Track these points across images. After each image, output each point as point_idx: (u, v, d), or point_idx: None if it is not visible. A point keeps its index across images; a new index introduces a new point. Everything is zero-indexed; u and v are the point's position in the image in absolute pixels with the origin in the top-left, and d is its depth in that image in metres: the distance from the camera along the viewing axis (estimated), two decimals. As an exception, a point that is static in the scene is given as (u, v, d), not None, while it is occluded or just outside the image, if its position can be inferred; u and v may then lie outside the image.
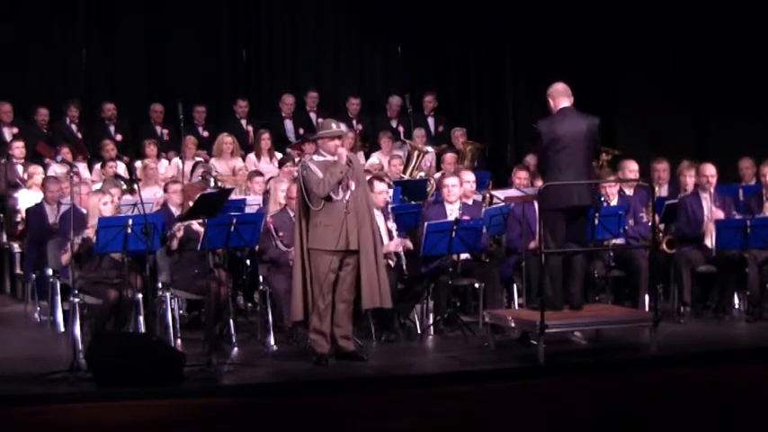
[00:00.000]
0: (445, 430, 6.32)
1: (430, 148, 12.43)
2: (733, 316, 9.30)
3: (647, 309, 8.80)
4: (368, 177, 8.63)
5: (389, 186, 9.51)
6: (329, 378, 7.45)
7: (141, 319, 8.43)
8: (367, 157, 12.62)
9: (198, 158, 12.28)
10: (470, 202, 9.44)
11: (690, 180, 9.81)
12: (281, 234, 8.59)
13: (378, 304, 7.77)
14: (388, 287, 7.77)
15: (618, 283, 9.54)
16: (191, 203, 8.46)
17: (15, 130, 12.37)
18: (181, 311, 9.27)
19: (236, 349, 8.32)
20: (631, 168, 9.84)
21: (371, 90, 14.61)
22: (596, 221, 8.61)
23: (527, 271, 8.73)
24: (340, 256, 7.63)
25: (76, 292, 8.11)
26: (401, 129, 13.48)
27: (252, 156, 12.33)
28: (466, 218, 8.83)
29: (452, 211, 9.05)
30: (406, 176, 11.77)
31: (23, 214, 10.57)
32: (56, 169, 11.49)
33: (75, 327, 8.05)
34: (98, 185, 10.35)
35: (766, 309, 9.15)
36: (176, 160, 12.21)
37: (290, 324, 8.20)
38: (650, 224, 8.94)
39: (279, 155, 12.42)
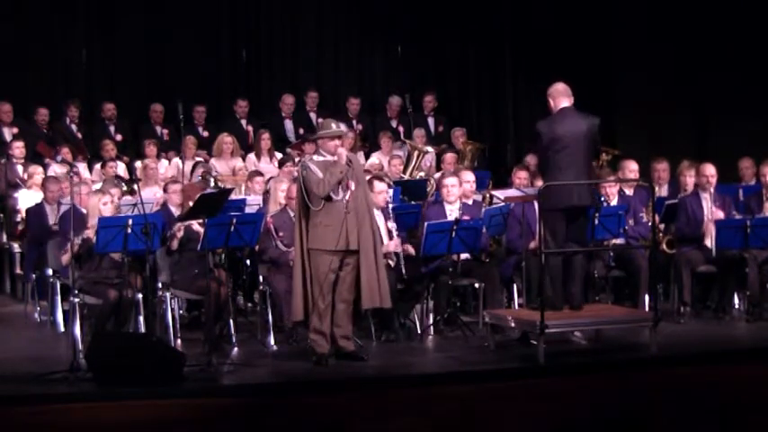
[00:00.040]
0: (445, 430, 6.32)
1: (430, 148, 12.43)
2: (733, 316, 9.30)
3: (647, 309, 8.80)
4: (368, 177, 8.63)
5: (389, 186, 9.50)
6: (329, 378, 7.45)
7: (141, 319, 8.43)
8: (367, 157, 12.62)
9: (198, 158, 12.28)
10: (470, 202, 9.44)
11: (690, 180, 9.81)
12: (281, 234, 8.59)
13: (377, 304, 7.77)
14: (387, 287, 7.77)
15: (618, 283, 9.54)
16: (191, 203, 8.46)
17: (15, 130, 12.38)
18: (181, 311, 9.27)
19: (236, 349, 8.32)
20: (631, 168, 9.84)
21: (371, 90, 14.61)
22: (596, 221, 8.60)
23: (527, 271, 8.73)
24: (340, 256, 7.63)
25: (76, 292, 8.11)
26: (401, 129, 13.48)
27: (252, 156, 12.33)
28: (466, 218, 8.83)
29: (452, 212, 9.05)
30: (406, 176, 11.77)
31: (23, 214, 10.58)
32: (56, 169, 11.49)
33: (75, 327, 8.05)
34: (98, 185, 10.35)
35: (766, 309, 9.15)
36: (176, 160, 12.21)
37: (290, 324, 8.20)
38: (650, 224, 8.94)
39: (279, 155, 12.42)
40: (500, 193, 9.36)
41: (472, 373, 7.53)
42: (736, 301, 9.45)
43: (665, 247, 9.41)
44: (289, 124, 13.44)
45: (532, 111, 13.13)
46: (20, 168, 11.53)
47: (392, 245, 8.58)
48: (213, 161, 12.06)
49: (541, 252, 7.67)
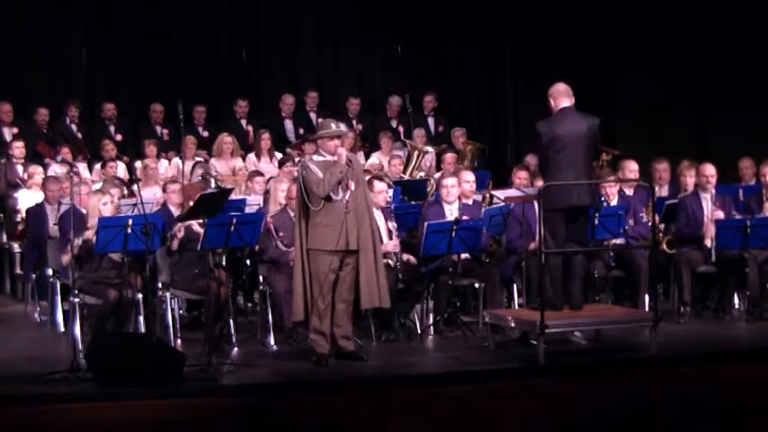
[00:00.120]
0: (445, 430, 6.32)
1: (430, 148, 12.43)
2: (733, 316, 9.30)
3: (647, 309, 8.80)
4: (368, 177, 8.64)
5: (389, 186, 9.50)
6: (329, 378, 7.45)
7: (141, 319, 8.43)
8: (367, 157, 12.62)
9: (198, 158, 12.28)
10: (470, 202, 9.44)
11: (690, 180, 9.81)
12: (281, 234, 8.59)
13: (376, 304, 7.78)
14: (386, 287, 7.78)
15: (618, 283, 9.54)
16: (191, 203, 8.46)
17: (15, 130, 12.38)
18: (181, 311, 9.27)
19: (236, 349, 8.32)
20: (631, 168, 9.84)
21: (371, 90, 14.61)
22: (596, 221, 8.60)
23: (527, 271, 8.73)
24: (340, 256, 7.64)
25: (76, 292, 8.11)
26: (401, 129, 13.48)
27: (252, 156, 12.32)
28: (465, 218, 8.83)
29: (451, 212, 9.05)
30: (406, 176, 11.77)
31: (23, 214, 10.58)
32: (56, 169, 11.49)
33: (75, 327, 8.05)
34: (98, 185, 10.34)
35: (766, 309, 9.15)
36: (176, 160, 12.20)
37: (291, 324, 8.20)
38: (650, 224, 8.94)
39: (279, 155, 12.42)
40: (500, 193, 9.36)
41: (472, 373, 7.52)
42: (736, 301, 9.45)
43: (665, 247, 9.41)
44: (289, 124, 13.44)
45: (532, 111, 13.14)
46: (20, 168, 11.54)
47: (391, 245, 8.57)
48: (213, 161, 12.06)
49: (541, 252, 7.67)
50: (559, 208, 7.87)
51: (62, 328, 8.99)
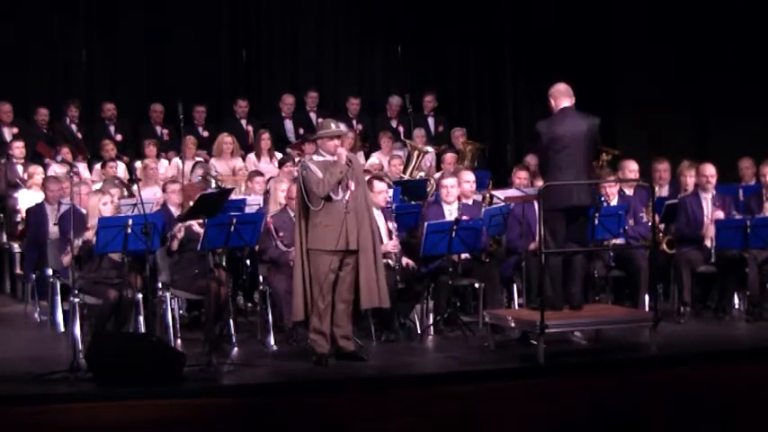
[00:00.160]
0: (445, 430, 6.32)
1: (430, 148, 12.43)
2: (733, 316, 9.30)
3: (647, 309, 8.80)
4: (368, 177, 8.64)
5: (389, 186, 9.50)
6: (329, 378, 7.45)
7: (141, 319, 8.43)
8: (367, 157, 12.62)
9: (198, 158, 12.28)
10: (470, 202, 9.44)
11: (690, 180, 9.81)
12: (281, 234, 8.59)
13: (376, 304, 7.78)
14: (386, 287, 7.78)
15: (618, 283, 9.54)
16: (191, 203, 8.46)
17: (15, 130, 12.38)
18: (181, 311, 9.27)
19: (236, 349, 8.32)
20: (631, 168, 9.84)
21: (371, 90, 14.61)
22: (596, 221, 8.60)
23: (527, 271, 8.73)
24: (340, 256, 7.64)
25: (76, 292, 8.11)
26: (401, 129, 13.48)
27: (252, 156, 12.33)
28: (465, 218, 8.83)
29: (451, 212, 9.05)
30: (406, 176, 11.77)
31: (23, 214, 10.58)
32: (56, 169, 11.49)
33: (75, 327, 8.05)
34: (98, 185, 10.34)
35: (766, 309, 9.15)
36: (176, 160, 12.20)
37: (291, 324, 8.20)
38: (650, 224, 8.94)
39: (279, 155, 12.42)
40: (500, 193, 9.36)
41: (472, 373, 7.52)
42: (736, 301, 9.45)
43: (665, 247, 9.41)
44: (289, 124, 13.44)
45: (532, 111, 13.14)
46: (20, 168, 11.54)
47: (390, 245, 8.57)
48: (213, 161, 12.06)
49: (541, 252, 7.67)
50: (559, 208, 7.87)
51: (62, 328, 8.99)
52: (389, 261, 8.53)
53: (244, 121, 13.31)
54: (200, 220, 8.14)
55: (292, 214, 8.42)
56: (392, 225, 8.75)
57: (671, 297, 9.49)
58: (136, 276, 8.34)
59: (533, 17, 14.36)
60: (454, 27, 14.46)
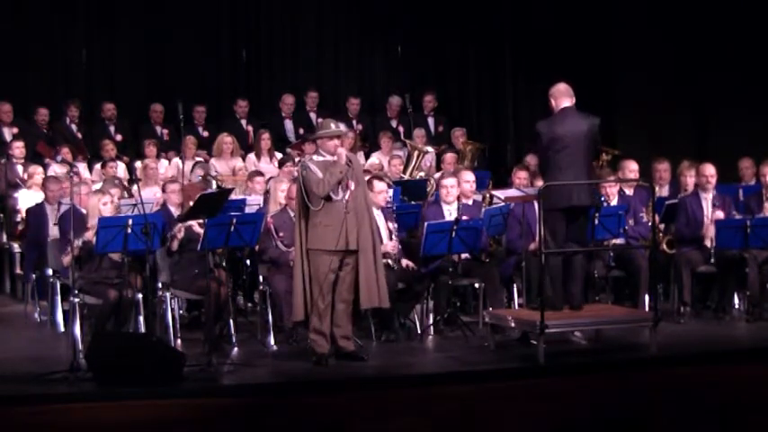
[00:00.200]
0: (445, 430, 6.32)
1: (430, 148, 12.43)
2: (733, 316, 9.30)
3: (647, 309, 8.80)
4: (368, 177, 8.64)
5: (389, 186, 9.50)
6: (329, 378, 7.45)
7: (141, 319, 8.43)
8: (367, 157, 12.62)
9: (198, 158, 12.29)
10: (470, 202, 9.44)
11: (690, 180, 9.81)
12: (281, 234, 8.59)
13: (376, 304, 7.78)
14: (386, 287, 7.77)
15: (618, 283, 9.54)
16: (191, 203, 8.46)
17: (15, 130, 12.38)
18: (181, 311, 9.27)
19: (236, 349, 8.32)
20: (631, 168, 9.84)
21: (371, 90, 14.61)
22: (596, 221, 8.60)
23: (527, 271, 8.73)
24: (340, 256, 7.64)
25: (76, 292, 8.11)
26: (401, 129, 13.48)
27: (252, 156, 12.33)
28: (465, 218, 8.82)
29: (450, 212, 9.05)
30: (406, 176, 11.77)
31: (23, 214, 10.58)
32: (56, 169, 11.49)
33: (75, 327, 8.05)
34: (98, 185, 10.34)
35: (766, 309, 9.15)
36: (176, 160, 12.20)
37: (291, 324, 8.20)
38: (650, 224, 8.94)
39: (279, 155, 12.42)
40: (500, 193, 9.35)
41: (472, 373, 7.52)
42: (736, 301, 9.45)
43: (665, 247, 9.41)
44: (289, 124, 13.44)
45: (532, 111, 13.14)
46: (20, 168, 11.54)
47: (390, 245, 8.57)
48: (213, 161, 12.06)
49: (541, 252, 7.67)
50: (559, 208, 7.87)
51: (62, 328, 8.99)
52: (389, 261, 8.52)
53: (244, 121, 13.31)
54: (200, 221, 8.14)
55: (292, 214, 8.42)
56: (392, 225, 8.75)
57: (671, 297, 9.49)
58: (136, 276, 8.34)
59: (533, 17, 14.36)
60: (454, 27, 14.46)
